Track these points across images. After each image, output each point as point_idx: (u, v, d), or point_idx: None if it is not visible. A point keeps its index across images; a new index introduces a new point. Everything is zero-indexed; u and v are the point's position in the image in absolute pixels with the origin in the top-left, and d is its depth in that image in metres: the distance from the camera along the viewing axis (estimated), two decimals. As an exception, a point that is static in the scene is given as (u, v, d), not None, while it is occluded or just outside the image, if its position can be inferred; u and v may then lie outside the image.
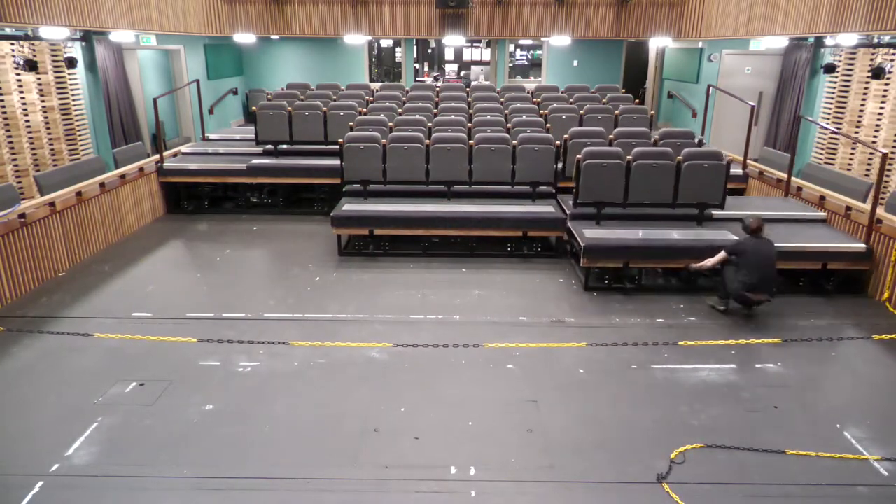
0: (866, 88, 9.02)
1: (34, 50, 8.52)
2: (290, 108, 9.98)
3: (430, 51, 19.39)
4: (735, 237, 6.69)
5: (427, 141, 8.29)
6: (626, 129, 8.78)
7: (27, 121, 8.47)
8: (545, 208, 8.07)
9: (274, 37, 13.80)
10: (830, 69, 9.06)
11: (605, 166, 7.17)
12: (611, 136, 8.31)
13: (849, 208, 7.27)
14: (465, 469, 4.11)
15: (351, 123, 9.05)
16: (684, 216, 7.52)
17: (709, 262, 6.38)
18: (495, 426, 4.58)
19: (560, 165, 8.36)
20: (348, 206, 8.02)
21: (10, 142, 8.23)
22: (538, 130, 8.94)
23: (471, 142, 8.29)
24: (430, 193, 8.45)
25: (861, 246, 6.71)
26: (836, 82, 9.59)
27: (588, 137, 8.27)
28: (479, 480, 4.02)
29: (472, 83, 15.19)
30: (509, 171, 8.31)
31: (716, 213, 7.61)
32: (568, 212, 7.59)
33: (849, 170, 9.23)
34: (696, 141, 8.60)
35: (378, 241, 8.01)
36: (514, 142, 8.24)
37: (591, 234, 6.96)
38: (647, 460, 4.21)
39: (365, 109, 10.10)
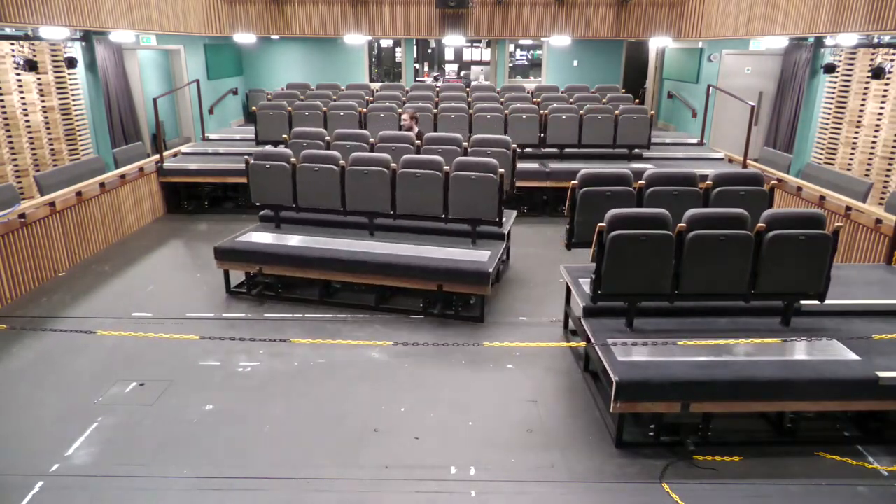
0: (866, 88, 9.01)
1: (34, 50, 8.52)
2: (290, 108, 9.98)
3: (430, 51, 19.38)
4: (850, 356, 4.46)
5: (343, 162, 6.79)
6: (664, 170, 5.95)
7: (27, 121, 8.46)
8: (473, 255, 6.34)
9: (274, 37, 13.79)
10: (830, 69, 9.06)
11: (644, 241, 4.60)
12: (641, 183, 5.70)
13: (849, 208, 7.27)
14: (465, 469, 4.11)
15: (285, 136, 8.45)
16: (762, 311, 5.04)
17: None
18: (495, 426, 4.58)
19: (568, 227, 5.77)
20: (244, 237, 6.85)
21: (10, 142, 8.22)
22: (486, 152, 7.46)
23: (393, 165, 6.68)
24: (350, 225, 7.10)
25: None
26: (836, 82, 9.58)
27: (609, 184, 5.62)
28: (479, 480, 4.02)
29: (472, 83, 15.19)
30: (440, 203, 6.67)
31: (806, 304, 5.04)
32: (582, 303, 5.13)
33: (849, 170, 9.23)
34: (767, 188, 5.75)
35: (278, 281, 6.71)
36: (447, 167, 6.57)
37: (628, 358, 4.38)
38: (651, 459, 4.22)
39: (365, 109, 10.10)
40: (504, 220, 6.78)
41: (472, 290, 6.12)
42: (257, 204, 7.22)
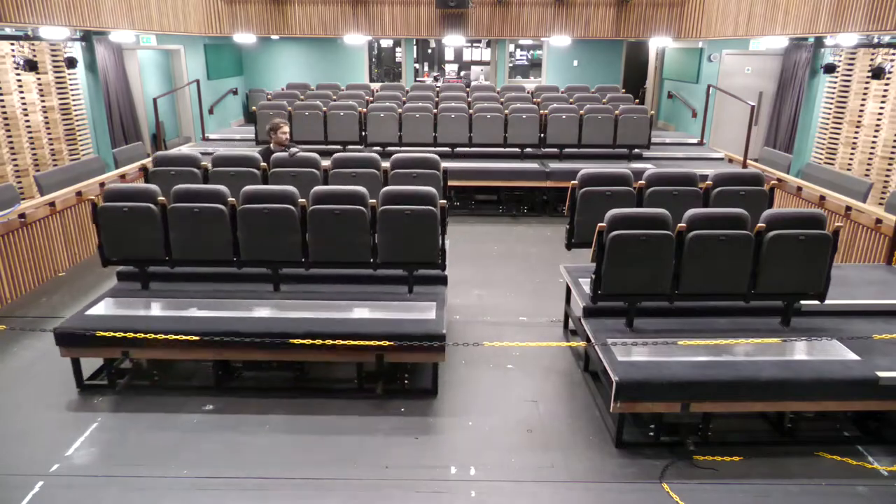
0: (866, 88, 9.02)
1: (34, 50, 8.52)
2: (290, 108, 9.98)
3: (430, 51, 19.40)
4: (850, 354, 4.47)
5: (232, 199, 5.14)
6: (664, 170, 5.99)
7: (27, 121, 8.47)
8: (416, 311, 5.03)
9: (274, 37, 13.81)
10: (830, 69, 9.07)
11: (644, 241, 4.57)
12: (641, 183, 5.70)
13: (849, 208, 7.27)
14: (465, 469, 4.11)
15: (148, 164, 6.66)
16: (762, 311, 5.01)
17: None
18: (495, 426, 4.58)
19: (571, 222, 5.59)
20: (96, 310, 5.01)
21: (10, 142, 8.23)
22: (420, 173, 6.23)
23: (302, 201, 5.10)
24: (246, 278, 5.43)
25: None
26: (836, 82, 9.59)
27: (609, 184, 5.60)
28: (479, 480, 4.02)
29: (472, 83, 15.19)
30: (368, 246, 5.21)
31: (806, 304, 5.03)
32: (582, 303, 5.10)
33: (849, 170, 9.24)
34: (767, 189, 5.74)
35: (151, 366, 5.04)
36: (373, 201, 5.13)
37: (628, 358, 4.36)
38: (651, 459, 4.22)
39: (365, 109, 10.10)
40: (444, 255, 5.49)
41: (423, 359, 4.84)
42: (113, 260, 5.35)
